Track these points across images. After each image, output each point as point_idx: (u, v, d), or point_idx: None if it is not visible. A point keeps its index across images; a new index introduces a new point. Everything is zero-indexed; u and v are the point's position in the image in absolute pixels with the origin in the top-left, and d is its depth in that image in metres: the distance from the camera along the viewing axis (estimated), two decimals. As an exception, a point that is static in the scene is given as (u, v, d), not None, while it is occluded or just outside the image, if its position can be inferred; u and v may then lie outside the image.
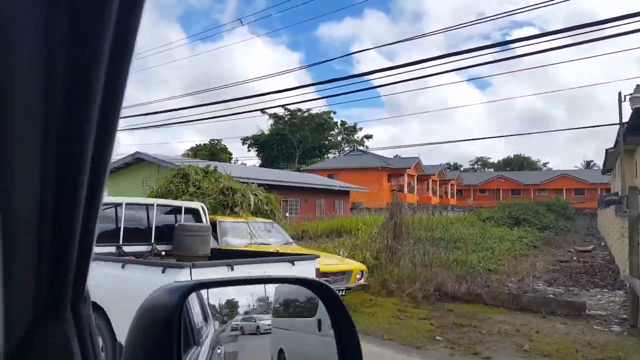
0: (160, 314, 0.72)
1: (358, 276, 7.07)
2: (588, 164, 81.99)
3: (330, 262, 7.04)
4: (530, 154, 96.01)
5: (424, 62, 8.25)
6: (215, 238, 7.46)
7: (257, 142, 60.46)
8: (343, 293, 6.73)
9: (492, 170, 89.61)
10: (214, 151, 49.30)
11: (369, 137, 66.13)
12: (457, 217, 26.95)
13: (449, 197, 61.98)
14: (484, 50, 7.99)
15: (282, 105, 22.85)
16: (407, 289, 8.16)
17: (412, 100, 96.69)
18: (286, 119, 60.26)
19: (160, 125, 16.67)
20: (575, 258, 13.67)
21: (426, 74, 9.22)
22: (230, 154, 54.99)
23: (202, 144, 55.89)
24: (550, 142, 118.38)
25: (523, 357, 5.00)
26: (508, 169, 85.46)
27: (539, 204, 29.91)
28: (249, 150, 61.10)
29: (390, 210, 9.35)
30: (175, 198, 8.54)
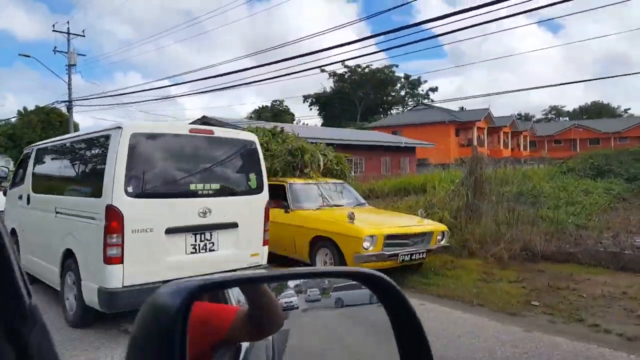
0: (161, 319, 0.64)
1: (439, 237, 6.66)
2: (679, 108, 73.84)
3: (409, 222, 6.68)
4: (610, 100, 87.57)
5: (489, 5, 7.49)
6: (286, 200, 7.33)
7: (319, 101, 59.99)
8: (424, 256, 6.39)
9: (567, 119, 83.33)
10: (277, 112, 49.61)
11: (434, 89, 63.36)
12: (534, 170, 25.29)
13: (522, 149, 58.54)
14: None
15: (342, 61, 22.08)
16: (491, 249, 7.65)
17: (477, 47, 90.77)
18: (346, 76, 58.96)
19: (223, 88, 16.83)
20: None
21: (492, 18, 8.51)
22: (293, 115, 55.11)
23: (264, 106, 56.47)
24: (631, 85, 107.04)
25: (637, 323, 4.44)
26: (585, 117, 78.96)
27: (622, 153, 27.26)
28: (311, 109, 60.91)
29: (469, 165, 8.72)
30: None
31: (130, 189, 4.05)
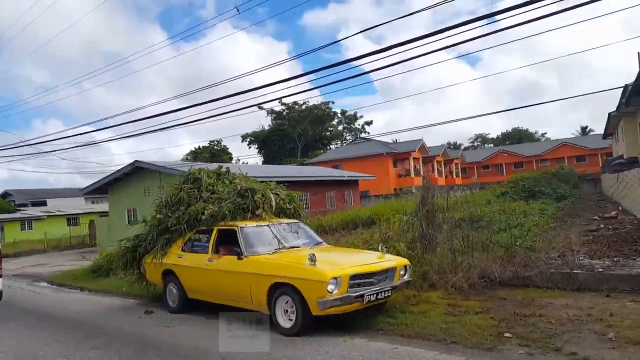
0: None
1: (402, 272, 6.44)
2: (584, 130, 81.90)
3: (371, 259, 6.39)
4: (527, 126, 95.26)
5: (412, 42, 7.80)
6: (238, 246, 6.83)
7: (258, 139, 59.73)
8: (389, 294, 6.11)
9: (491, 145, 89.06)
10: (215, 152, 48.61)
11: (369, 123, 65.44)
12: (466, 195, 26.29)
13: (454, 176, 61.38)
14: (472, 25, 7.46)
15: (277, 99, 22.08)
16: (450, 279, 7.54)
17: (405, 83, 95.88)
18: (284, 113, 59.48)
19: (153, 130, 15.97)
20: (602, 226, 13.04)
21: (415, 54, 8.66)
22: (231, 154, 54.29)
23: (200, 147, 55.16)
24: (544, 112, 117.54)
25: (611, 347, 4.39)
26: (507, 142, 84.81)
27: (545, 174, 29.23)
28: (249, 148, 60.44)
29: (421, 194, 8.70)
30: (188, 206, 7.90)
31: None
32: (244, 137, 61.48)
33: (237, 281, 6.59)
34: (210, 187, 8.05)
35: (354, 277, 5.75)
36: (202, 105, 11.31)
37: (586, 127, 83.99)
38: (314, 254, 5.82)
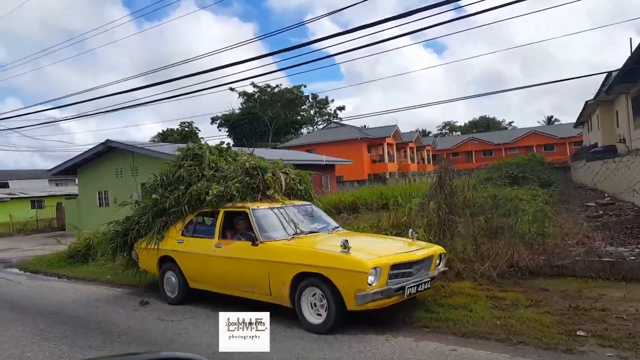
0: None
1: (437, 261, 5.80)
2: (549, 120, 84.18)
3: (406, 247, 5.70)
4: (492, 116, 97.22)
5: (377, 24, 7.56)
6: (251, 230, 6.00)
7: (228, 122, 57.97)
8: (429, 285, 5.45)
9: (459, 133, 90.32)
10: (185, 134, 46.79)
11: (341, 108, 64.70)
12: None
13: (425, 163, 61.77)
14: (438, 9, 7.29)
15: (242, 80, 20.88)
16: (477, 268, 6.99)
17: (371, 69, 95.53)
18: (256, 96, 57.89)
19: (116, 109, 14.78)
20: (601, 212, 12.92)
21: (382, 38, 8.55)
22: (201, 137, 52.46)
23: (168, 129, 52.99)
24: (508, 102, 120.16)
25: None
26: (474, 131, 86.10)
27: (517, 162, 29.42)
28: (219, 130, 58.67)
29: (438, 177, 8.08)
30: (189, 185, 6.97)
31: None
32: (213, 119, 59.60)
33: (252, 270, 5.79)
34: (214, 165, 7.14)
35: (394, 266, 5.06)
36: (166, 85, 10.46)
37: (552, 116, 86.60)
38: (346, 240, 5.08)
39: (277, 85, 56.60)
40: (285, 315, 5.48)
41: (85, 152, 23.18)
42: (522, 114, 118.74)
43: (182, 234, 6.91)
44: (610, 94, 26.38)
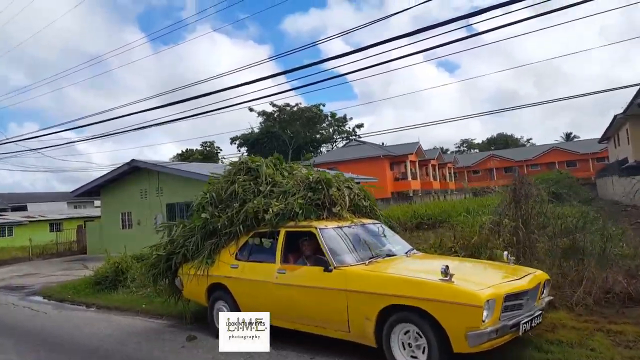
0: None
1: (542, 290, 4.93)
2: (568, 136, 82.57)
3: (510, 274, 4.81)
4: (510, 132, 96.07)
5: (388, 41, 7.65)
6: (321, 253, 5.23)
7: (247, 141, 57.77)
8: (540, 320, 4.58)
9: (477, 151, 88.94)
10: (207, 154, 46.58)
11: (360, 126, 64.10)
12: (483, 199, 25.13)
13: (447, 180, 60.56)
14: (449, 27, 7.20)
15: (254, 100, 20.46)
16: (569, 295, 6.09)
17: (384, 89, 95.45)
18: (275, 115, 57.76)
19: (131, 130, 14.38)
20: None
21: (393, 56, 8.80)
22: (222, 157, 52.32)
23: (187, 150, 52.95)
24: (524, 119, 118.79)
25: None
26: (493, 148, 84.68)
27: (549, 178, 28.28)
28: (239, 150, 58.42)
29: (512, 191, 7.23)
30: (243, 202, 6.24)
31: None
32: (232, 139, 59.55)
33: (326, 301, 4.98)
34: (270, 179, 6.42)
35: (507, 298, 4.21)
36: (182, 105, 10.18)
37: (570, 133, 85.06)
38: (447, 266, 4.25)
39: (296, 104, 56.45)
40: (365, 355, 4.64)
41: (109, 172, 22.77)
42: (537, 131, 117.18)
43: (236, 258, 6.15)
44: (650, 106, 25.34)
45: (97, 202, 41.84)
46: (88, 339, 6.83)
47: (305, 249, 5.62)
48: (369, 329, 4.59)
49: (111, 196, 23.48)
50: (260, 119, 58.58)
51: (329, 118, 61.91)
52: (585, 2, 6.48)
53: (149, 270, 7.15)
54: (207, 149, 49.66)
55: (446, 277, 4.18)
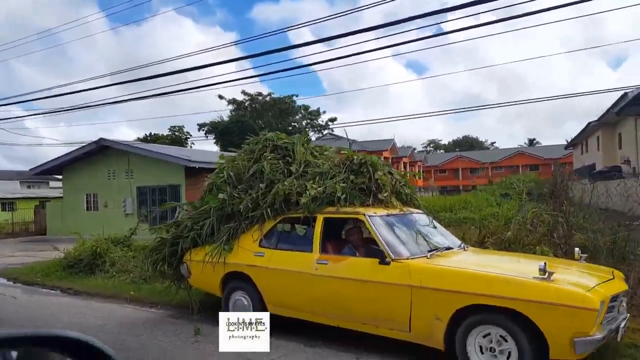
0: None
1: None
2: (531, 142, 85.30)
3: (588, 273, 4.25)
4: (474, 134, 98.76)
5: (356, 33, 7.73)
6: (374, 243, 4.55)
7: (216, 129, 55.93)
8: (628, 324, 4.07)
9: (442, 151, 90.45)
10: (176, 139, 44.71)
11: (333, 120, 63.42)
12: (464, 196, 25.19)
13: (416, 178, 61.12)
14: (417, 24, 7.44)
15: (219, 83, 19.70)
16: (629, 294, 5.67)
17: (354, 85, 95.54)
18: (246, 104, 56.26)
19: (90, 106, 13.20)
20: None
21: (361, 49, 8.80)
22: (192, 143, 50.44)
23: (152, 134, 50.59)
24: (486, 123, 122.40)
25: None
26: (457, 149, 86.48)
27: (520, 179, 28.78)
28: (207, 138, 56.50)
29: (553, 184, 6.77)
30: (271, 183, 5.45)
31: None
32: (200, 126, 57.44)
33: (382, 297, 4.30)
34: (304, 159, 5.64)
35: (612, 300, 3.68)
36: (141, 86, 9.57)
37: (533, 139, 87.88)
38: (545, 263, 3.65)
39: (269, 94, 55.12)
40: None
41: (73, 150, 21.08)
42: (500, 135, 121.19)
43: (261, 245, 5.34)
44: (622, 115, 26.13)
45: (53, 183, 39.28)
46: (79, 331, 5.83)
47: (352, 238, 4.91)
48: (438, 330, 3.94)
49: (75, 176, 21.78)
50: (231, 107, 56.93)
51: (302, 111, 60.95)
52: (545, 11, 6.63)
53: (150, 255, 6.22)
54: (176, 133, 47.59)
55: (546, 275, 3.58)
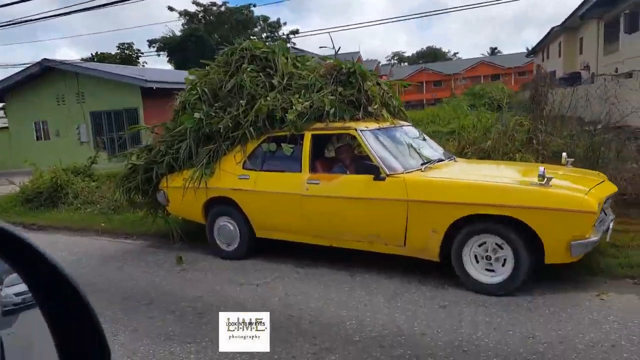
0: None
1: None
2: (493, 51, 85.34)
3: (587, 178, 4.30)
4: (437, 45, 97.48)
5: None
6: (367, 159, 4.39)
7: (168, 45, 52.36)
8: (613, 225, 4.20)
9: (406, 64, 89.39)
10: (126, 57, 41.66)
11: (294, 32, 60.45)
12: (433, 109, 25.18)
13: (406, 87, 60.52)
14: None
15: None
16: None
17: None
18: (200, 16, 52.41)
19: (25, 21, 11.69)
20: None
21: None
22: (144, 62, 47.23)
23: (99, 53, 46.80)
24: (451, 32, 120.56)
25: None
26: (421, 61, 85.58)
27: (485, 89, 29.03)
28: (159, 55, 53.01)
29: (534, 89, 6.67)
30: (252, 99, 5.06)
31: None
32: (151, 42, 53.51)
33: (378, 214, 4.22)
34: (289, 70, 5.21)
35: (605, 202, 3.75)
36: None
37: (495, 47, 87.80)
38: (544, 169, 3.62)
39: (223, 3, 51.37)
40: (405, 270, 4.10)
41: (15, 74, 19.26)
42: (462, 45, 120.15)
43: (245, 167, 5.08)
44: (585, 18, 26.00)
45: (-5, 112, 36.51)
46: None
47: (343, 155, 4.71)
48: (434, 242, 3.95)
49: (20, 102, 20.10)
50: (183, 20, 52.94)
51: (261, 22, 57.52)
52: None
53: (122, 184, 5.87)
54: (126, 51, 44.21)
55: (545, 181, 3.55)
